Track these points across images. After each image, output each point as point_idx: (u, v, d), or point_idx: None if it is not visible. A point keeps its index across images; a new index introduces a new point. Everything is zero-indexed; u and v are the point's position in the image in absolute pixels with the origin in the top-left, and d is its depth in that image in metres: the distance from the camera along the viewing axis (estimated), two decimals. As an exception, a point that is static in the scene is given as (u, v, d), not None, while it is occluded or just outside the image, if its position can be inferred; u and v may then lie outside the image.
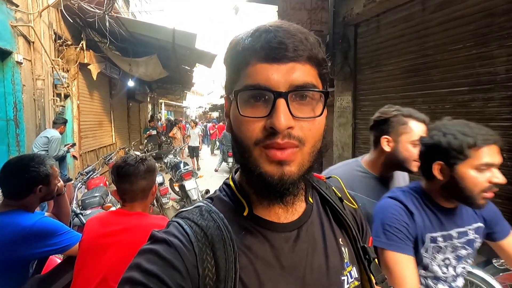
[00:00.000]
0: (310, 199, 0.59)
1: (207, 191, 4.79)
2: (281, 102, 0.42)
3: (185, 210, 0.54)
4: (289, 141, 0.43)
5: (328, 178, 0.67)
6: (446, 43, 3.61)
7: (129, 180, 1.25)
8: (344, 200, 0.64)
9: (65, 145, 4.59)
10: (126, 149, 7.35)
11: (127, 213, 1.27)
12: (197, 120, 14.29)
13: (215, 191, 0.61)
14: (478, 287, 2.07)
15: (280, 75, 0.43)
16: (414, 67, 4.05)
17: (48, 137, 4.13)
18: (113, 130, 8.60)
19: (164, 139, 11.23)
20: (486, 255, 2.99)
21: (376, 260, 0.61)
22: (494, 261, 2.20)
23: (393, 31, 4.35)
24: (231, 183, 0.58)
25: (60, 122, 4.45)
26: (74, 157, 4.98)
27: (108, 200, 3.42)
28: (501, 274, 2.16)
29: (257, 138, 0.44)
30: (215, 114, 23.67)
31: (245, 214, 0.52)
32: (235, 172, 0.60)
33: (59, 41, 5.31)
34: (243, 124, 0.46)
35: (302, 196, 0.57)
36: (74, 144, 4.85)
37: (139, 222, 1.23)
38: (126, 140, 10.03)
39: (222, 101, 17.79)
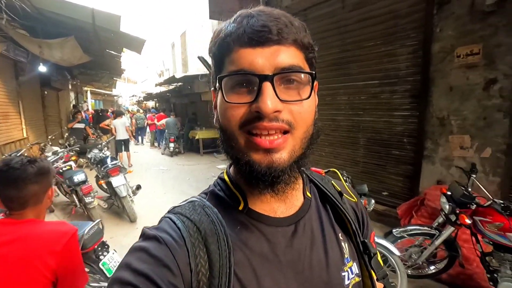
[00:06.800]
0: (308, 193, 0.57)
1: (138, 187, 4.52)
2: (267, 85, 0.41)
3: (178, 205, 0.52)
4: (276, 123, 0.42)
5: (327, 172, 0.67)
6: (362, 40, 3.99)
7: (15, 185, 1.08)
8: (344, 194, 0.63)
9: None
10: (42, 144, 6.41)
11: (16, 222, 1.11)
12: (126, 108, 13.08)
13: (210, 186, 0.57)
14: (381, 253, 2.42)
15: (264, 58, 0.42)
16: (337, 61, 4.41)
17: None
18: (23, 123, 7.39)
19: (92, 132, 10.05)
20: (391, 226, 3.51)
21: (377, 255, 0.59)
22: (393, 230, 2.57)
23: (318, 26, 4.63)
24: (226, 177, 0.56)
25: None
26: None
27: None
28: (398, 241, 2.55)
29: (241, 122, 0.43)
30: (150, 104, 21.99)
31: (240, 208, 0.51)
32: (229, 167, 0.58)
33: None
34: (228, 110, 0.44)
35: (299, 188, 0.55)
36: None
37: (32, 230, 1.09)
38: (43, 134, 8.76)
39: (157, 90, 16.67)
